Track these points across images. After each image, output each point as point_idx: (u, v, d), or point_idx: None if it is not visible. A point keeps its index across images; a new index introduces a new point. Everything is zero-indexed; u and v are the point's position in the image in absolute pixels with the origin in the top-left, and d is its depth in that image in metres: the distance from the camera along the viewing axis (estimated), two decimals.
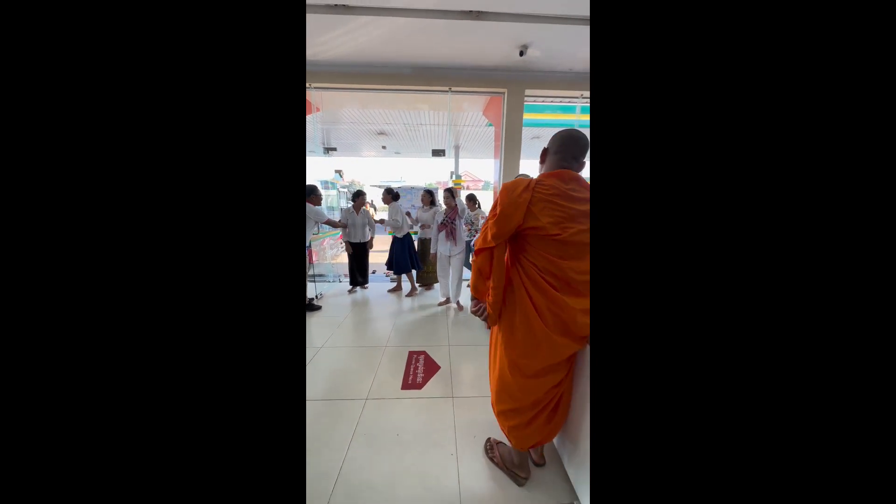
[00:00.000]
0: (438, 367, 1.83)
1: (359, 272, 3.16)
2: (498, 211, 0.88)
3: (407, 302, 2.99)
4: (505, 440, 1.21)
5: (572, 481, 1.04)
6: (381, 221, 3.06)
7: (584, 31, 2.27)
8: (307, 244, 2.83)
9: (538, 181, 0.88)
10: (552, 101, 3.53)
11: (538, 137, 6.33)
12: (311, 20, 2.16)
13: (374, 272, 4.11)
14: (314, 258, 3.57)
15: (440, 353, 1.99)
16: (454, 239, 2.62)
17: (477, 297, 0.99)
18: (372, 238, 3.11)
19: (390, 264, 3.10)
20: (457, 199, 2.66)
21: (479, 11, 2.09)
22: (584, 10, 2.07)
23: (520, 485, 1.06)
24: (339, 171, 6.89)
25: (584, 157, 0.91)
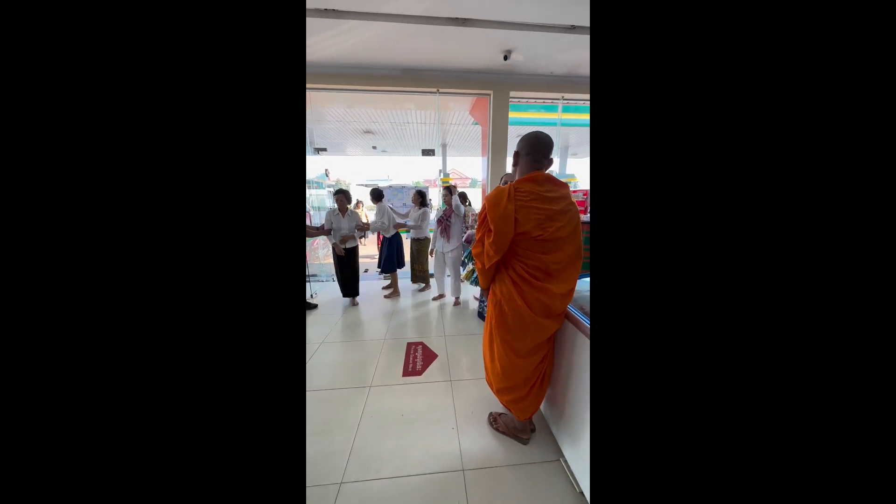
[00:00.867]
0: (436, 356, 1.96)
1: (348, 282, 2.74)
2: (493, 230, 0.97)
3: (403, 298, 3.11)
4: (505, 412, 1.37)
5: (557, 441, 1.21)
6: (365, 227, 2.81)
7: (563, 38, 2.45)
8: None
9: (516, 189, 0.98)
10: (535, 102, 3.72)
11: (519, 136, 6.55)
12: None
13: (366, 270, 4.19)
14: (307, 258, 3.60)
15: (437, 344, 2.13)
16: (447, 236, 2.75)
17: (484, 288, 1.16)
18: (363, 238, 2.98)
19: (383, 265, 3.11)
20: (453, 196, 2.76)
21: (465, 18, 2.22)
22: (563, 19, 2.25)
23: (524, 444, 1.24)
24: (325, 170, 6.87)
25: (550, 154, 1.03)
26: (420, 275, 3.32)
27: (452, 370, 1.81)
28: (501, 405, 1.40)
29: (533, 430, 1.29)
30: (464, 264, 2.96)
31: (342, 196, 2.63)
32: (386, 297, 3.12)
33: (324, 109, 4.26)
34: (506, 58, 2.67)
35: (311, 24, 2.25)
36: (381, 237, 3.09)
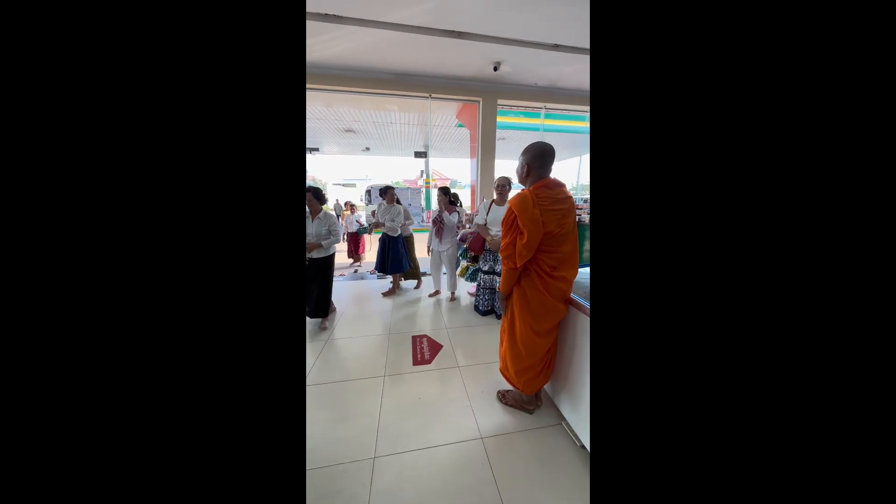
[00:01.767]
0: (441, 346, 2.12)
1: (316, 300, 2.23)
2: (525, 232, 1.13)
3: (399, 296, 3.22)
4: (512, 389, 1.57)
5: (559, 408, 1.43)
6: (351, 236, 2.82)
7: (547, 55, 2.71)
8: None
9: (536, 195, 1.15)
10: (520, 109, 3.99)
11: (503, 139, 6.87)
12: None
13: (355, 271, 4.23)
14: None
15: (440, 336, 2.29)
16: (440, 237, 2.90)
17: (506, 294, 1.30)
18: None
19: (382, 266, 3.10)
20: (447, 198, 2.87)
21: (460, 32, 2.41)
22: (548, 38, 2.50)
23: (530, 413, 1.45)
24: None
25: (553, 163, 1.25)
26: (412, 272, 3.43)
27: (458, 358, 1.97)
28: (508, 384, 1.60)
29: (539, 404, 1.50)
30: (458, 262, 3.14)
31: (311, 195, 2.11)
32: (384, 294, 3.19)
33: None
34: (496, 68, 2.89)
35: (310, 26, 2.31)
36: (383, 237, 3.11)
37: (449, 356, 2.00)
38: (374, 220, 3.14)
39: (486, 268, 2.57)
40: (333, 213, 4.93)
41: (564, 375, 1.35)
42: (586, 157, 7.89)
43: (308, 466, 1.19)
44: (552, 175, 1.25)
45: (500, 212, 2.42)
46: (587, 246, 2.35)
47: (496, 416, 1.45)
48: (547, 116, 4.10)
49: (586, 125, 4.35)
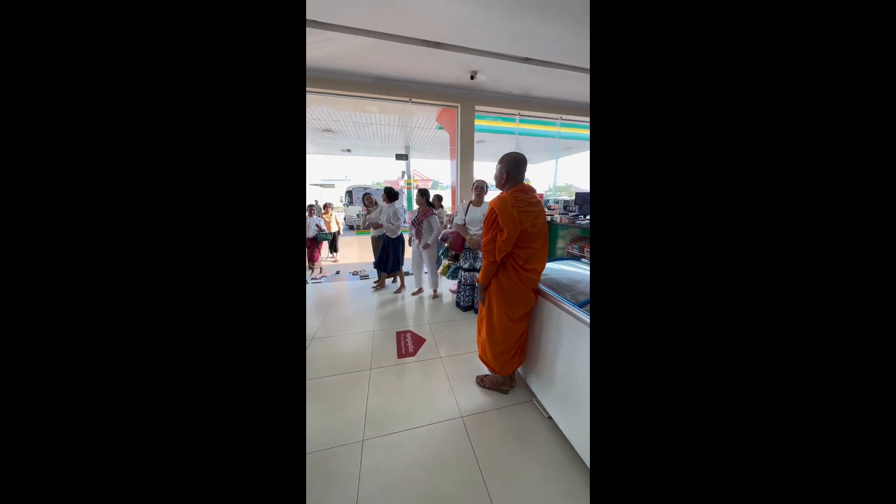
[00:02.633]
0: (424, 340, 2.26)
1: None
2: (505, 230, 1.29)
3: (382, 294, 3.31)
4: (489, 373, 1.74)
5: (530, 387, 1.61)
6: (310, 241, 2.93)
7: (520, 67, 2.92)
8: None
9: (513, 197, 1.32)
10: (497, 114, 4.21)
11: (482, 142, 7.10)
12: None
13: (337, 273, 4.26)
14: None
15: (424, 331, 2.42)
16: (419, 239, 3.03)
17: (485, 285, 1.46)
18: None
19: (382, 264, 3.25)
20: (428, 201, 2.98)
21: (437, 42, 2.56)
22: (520, 52, 2.71)
23: (505, 393, 1.63)
24: None
25: (525, 170, 1.45)
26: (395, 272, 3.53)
27: (441, 350, 2.12)
28: (486, 369, 1.77)
29: (514, 385, 1.67)
30: (439, 260, 3.28)
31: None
32: (396, 292, 3.34)
33: None
34: (472, 77, 3.08)
35: None
36: (385, 238, 3.24)
37: (432, 349, 2.13)
38: (368, 220, 3.23)
39: (466, 265, 2.72)
40: (326, 217, 4.88)
41: (534, 358, 1.54)
42: (562, 161, 8.29)
43: None
44: (526, 180, 1.45)
45: (477, 212, 2.59)
46: (560, 244, 2.57)
47: (475, 398, 1.61)
48: (522, 121, 4.36)
49: (558, 130, 4.65)
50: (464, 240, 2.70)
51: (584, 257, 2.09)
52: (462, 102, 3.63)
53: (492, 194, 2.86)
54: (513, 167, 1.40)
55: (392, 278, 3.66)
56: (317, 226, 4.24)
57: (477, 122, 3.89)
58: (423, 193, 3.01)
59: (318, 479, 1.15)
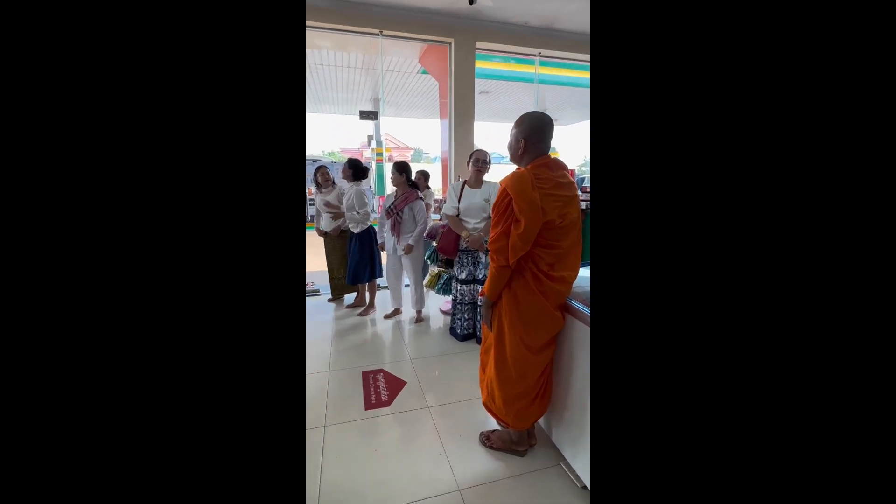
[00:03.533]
0: (404, 383, 2.31)
1: None
2: (522, 220, 1.31)
3: (342, 319, 3.36)
4: (498, 427, 1.80)
5: (557, 445, 1.68)
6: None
7: None
8: None
9: (535, 175, 1.35)
10: (507, 55, 4.32)
11: (486, 93, 7.20)
12: None
13: (311, 283, 4.29)
14: None
15: (402, 369, 2.48)
16: (398, 235, 3.06)
17: (492, 300, 1.51)
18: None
19: (359, 273, 3.31)
20: (410, 180, 3.04)
21: None
22: None
23: (522, 455, 1.69)
24: None
25: (552, 136, 1.48)
26: (338, 284, 3.59)
27: (428, 396, 2.18)
28: (494, 422, 1.83)
29: (533, 444, 1.74)
30: (425, 267, 3.34)
31: None
32: (359, 314, 3.41)
33: None
34: (472, 1, 3.17)
35: None
36: (350, 236, 3.30)
37: (415, 395, 2.20)
38: (322, 206, 3.32)
39: (463, 275, 2.79)
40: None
41: (562, 403, 1.61)
42: None
43: None
44: (552, 150, 1.49)
45: (475, 196, 2.68)
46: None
47: (479, 463, 1.67)
48: (543, 64, 4.49)
49: None
50: (457, 238, 2.77)
51: None
52: (457, 37, 3.72)
53: (499, 172, 2.93)
54: (534, 132, 1.44)
55: (354, 292, 3.72)
56: None
57: (479, 65, 3.99)
58: (403, 169, 3.08)
59: None
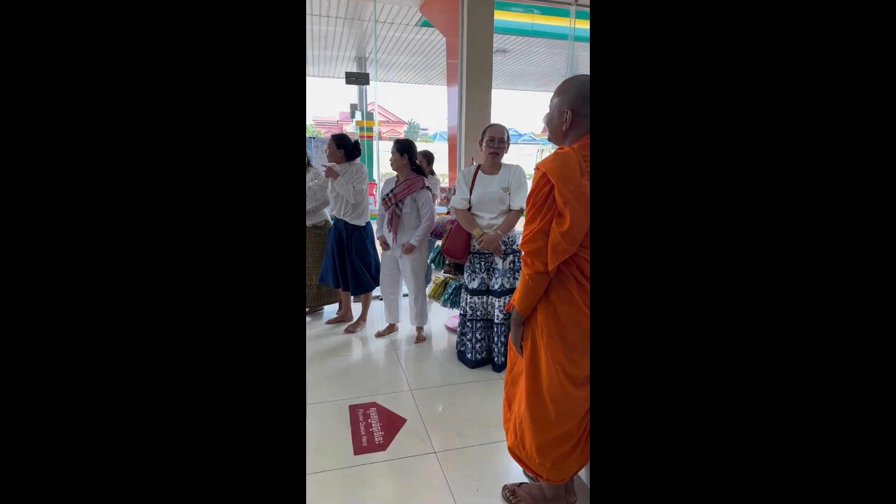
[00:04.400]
0: (404, 420, 2.31)
1: None
2: (567, 214, 1.32)
3: (324, 338, 3.37)
4: (527, 479, 1.79)
5: None
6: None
7: None
8: None
9: (584, 157, 1.35)
10: (532, 2, 4.33)
11: (503, 52, 7.21)
12: None
13: None
14: None
15: (401, 402, 2.48)
16: (395, 229, 3.07)
17: (524, 315, 1.52)
18: None
19: (361, 281, 3.35)
20: (413, 163, 3.04)
21: None
22: None
23: None
24: None
25: None
26: (318, 295, 3.61)
27: (434, 438, 2.17)
28: (521, 472, 1.82)
29: (573, 501, 1.73)
30: (428, 272, 3.33)
31: None
32: (347, 330, 3.47)
33: None
34: None
35: None
36: (337, 229, 3.34)
37: (417, 436, 2.19)
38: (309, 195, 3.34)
39: (474, 284, 2.79)
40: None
41: None
42: None
43: None
44: None
45: (491, 184, 2.69)
46: None
47: None
48: (580, 16, 4.49)
49: None
50: (468, 237, 2.77)
51: None
52: None
53: (517, 154, 2.88)
54: (584, 102, 1.43)
55: (330, 303, 3.75)
56: None
57: (498, 17, 4.00)
58: (405, 148, 3.07)
59: None
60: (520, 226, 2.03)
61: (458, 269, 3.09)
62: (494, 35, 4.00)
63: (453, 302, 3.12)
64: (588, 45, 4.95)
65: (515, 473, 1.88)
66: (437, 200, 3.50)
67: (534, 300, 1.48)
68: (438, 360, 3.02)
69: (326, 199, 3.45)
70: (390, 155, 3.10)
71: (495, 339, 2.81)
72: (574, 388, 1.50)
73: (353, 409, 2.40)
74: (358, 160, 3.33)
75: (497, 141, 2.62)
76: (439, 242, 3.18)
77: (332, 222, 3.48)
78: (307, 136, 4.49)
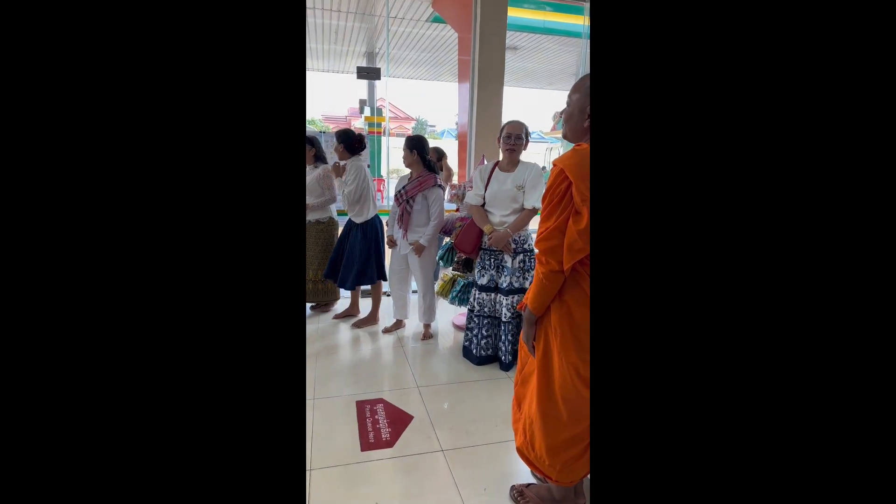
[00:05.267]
0: (411, 417, 2.30)
1: None
2: (586, 219, 1.29)
3: (330, 333, 3.37)
4: (536, 481, 1.77)
5: None
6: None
7: None
8: None
9: None
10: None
11: (515, 49, 7.18)
12: None
13: None
14: None
15: (408, 399, 2.47)
16: (405, 228, 3.06)
17: (537, 315, 1.50)
18: None
19: (334, 272, 3.38)
20: (427, 161, 3.03)
21: None
22: None
23: None
24: None
25: None
26: (323, 287, 3.61)
27: (441, 435, 2.16)
28: (528, 472, 1.81)
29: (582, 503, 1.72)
30: (437, 269, 3.32)
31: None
32: (354, 325, 3.49)
33: None
34: None
35: None
36: (349, 225, 3.38)
37: (424, 433, 2.18)
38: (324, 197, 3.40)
39: (484, 280, 2.78)
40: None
41: None
42: None
43: None
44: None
45: (506, 182, 2.66)
46: None
47: None
48: None
49: None
50: (480, 234, 2.76)
51: None
52: None
53: (524, 152, 2.85)
54: None
55: (330, 300, 3.76)
56: None
57: (510, 13, 3.96)
58: (416, 145, 3.05)
59: None
60: (533, 225, 2.01)
61: (466, 267, 3.07)
62: (511, 31, 3.97)
63: (462, 299, 3.11)
64: None
65: (523, 474, 1.87)
66: (448, 198, 3.48)
67: (547, 299, 1.46)
68: (445, 358, 3.01)
69: (334, 195, 3.47)
70: (403, 150, 3.09)
71: (502, 337, 2.79)
72: (587, 389, 1.48)
73: (361, 405, 2.40)
74: (362, 153, 3.36)
75: (514, 137, 2.59)
76: (447, 239, 3.18)
77: (337, 219, 3.54)
78: (318, 131, 4.47)
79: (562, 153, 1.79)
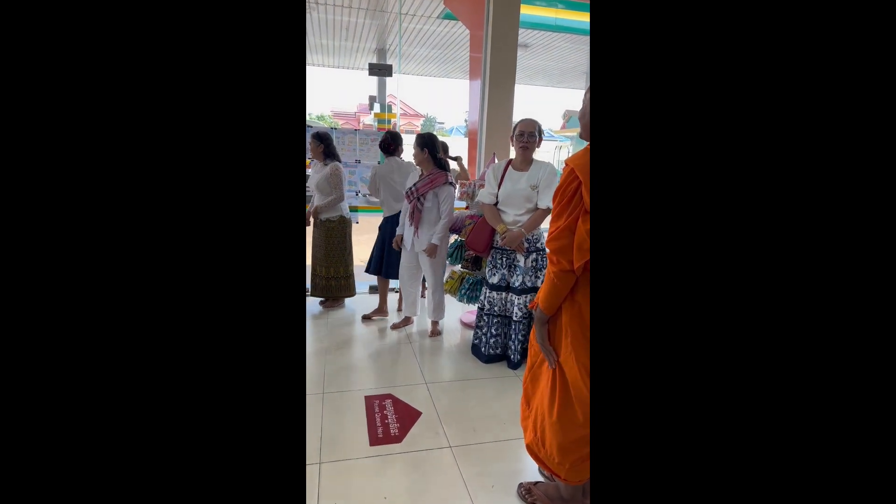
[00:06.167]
0: (419, 413, 2.31)
1: None
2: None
3: (337, 329, 3.39)
4: (544, 479, 1.78)
5: None
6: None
7: None
8: None
9: None
10: None
11: (526, 46, 7.14)
12: None
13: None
14: None
15: (416, 395, 2.48)
16: (417, 224, 3.05)
17: (549, 314, 1.51)
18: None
19: (377, 266, 3.49)
20: (438, 159, 3.04)
21: None
22: None
23: None
24: None
25: None
26: (335, 284, 3.64)
27: (449, 432, 2.17)
28: (536, 470, 1.81)
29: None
30: (445, 267, 3.33)
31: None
32: (368, 316, 3.60)
33: None
34: None
35: None
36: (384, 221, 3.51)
37: (432, 429, 2.19)
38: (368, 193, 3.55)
39: (494, 279, 2.78)
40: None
41: None
42: None
43: None
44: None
45: (520, 181, 2.65)
46: None
47: None
48: None
49: None
50: (492, 232, 2.75)
51: None
52: None
53: (544, 150, 2.85)
54: None
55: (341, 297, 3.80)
56: None
57: (523, 10, 3.94)
58: (426, 143, 3.05)
59: None
60: (545, 224, 2.01)
61: (475, 265, 3.07)
62: (523, 29, 3.95)
63: (471, 297, 3.10)
64: None
65: (531, 471, 1.87)
66: (458, 195, 3.47)
67: (558, 299, 1.46)
68: (453, 355, 3.02)
69: (342, 194, 3.50)
70: (413, 148, 3.09)
71: (512, 336, 2.79)
72: None
73: (369, 400, 2.41)
74: (398, 154, 3.51)
75: (527, 135, 2.58)
76: (457, 237, 3.18)
77: (349, 216, 3.64)
78: (328, 127, 4.49)
79: (571, 152, 1.77)
